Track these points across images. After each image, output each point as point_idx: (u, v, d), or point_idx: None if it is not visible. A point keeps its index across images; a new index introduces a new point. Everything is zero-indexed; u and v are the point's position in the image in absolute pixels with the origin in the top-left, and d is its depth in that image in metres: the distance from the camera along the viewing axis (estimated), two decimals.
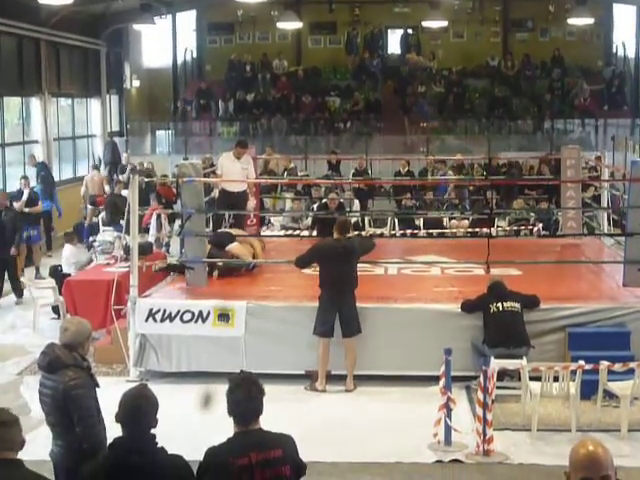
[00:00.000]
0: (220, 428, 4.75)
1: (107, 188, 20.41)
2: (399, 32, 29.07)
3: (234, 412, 4.52)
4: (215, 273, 11.71)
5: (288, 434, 4.70)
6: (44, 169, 19.06)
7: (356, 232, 14.11)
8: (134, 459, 4.44)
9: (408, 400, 9.51)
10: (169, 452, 4.58)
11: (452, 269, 12.27)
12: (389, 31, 29.40)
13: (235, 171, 13.35)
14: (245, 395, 4.51)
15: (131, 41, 26.38)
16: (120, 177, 19.91)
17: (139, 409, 4.55)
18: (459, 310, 10.05)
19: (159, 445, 4.55)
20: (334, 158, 21.68)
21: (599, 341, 9.62)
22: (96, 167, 21.80)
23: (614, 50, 28.43)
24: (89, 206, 20.03)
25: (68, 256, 13.57)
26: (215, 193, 14.73)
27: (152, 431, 4.58)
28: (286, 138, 25.93)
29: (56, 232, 18.58)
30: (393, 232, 17.00)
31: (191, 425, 8.06)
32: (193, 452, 4.66)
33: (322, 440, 8.24)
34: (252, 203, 14.11)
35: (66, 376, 5.68)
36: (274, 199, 19.73)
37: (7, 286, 14.95)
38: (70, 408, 5.60)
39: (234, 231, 12.83)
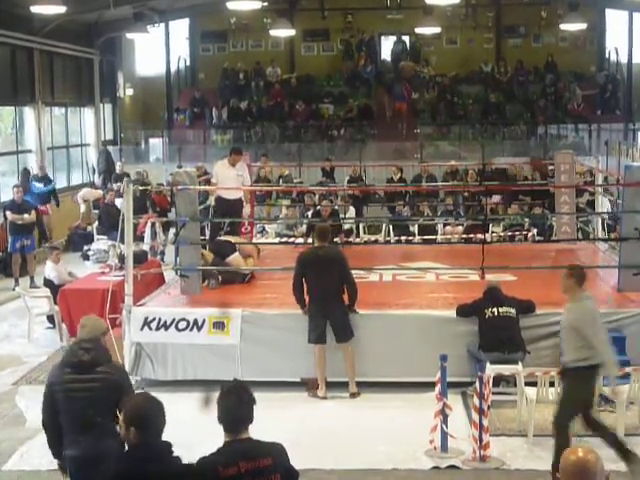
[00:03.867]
0: (215, 437, 4.74)
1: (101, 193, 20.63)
2: (392, 39, 29.12)
3: (224, 419, 4.52)
4: (212, 283, 11.62)
5: (278, 442, 4.69)
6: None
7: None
8: (152, 467, 4.41)
9: (404, 407, 9.48)
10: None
11: (447, 275, 12.26)
12: (382, 38, 29.46)
13: (230, 178, 13.36)
14: (236, 402, 4.51)
15: (124, 50, 26.39)
16: (114, 186, 19.93)
17: (148, 415, 4.52)
18: (454, 316, 10.04)
19: (174, 454, 4.55)
20: (328, 165, 21.67)
21: None
22: (92, 184, 22.04)
23: (607, 55, 28.55)
24: (94, 211, 20.12)
25: (49, 272, 13.49)
26: (211, 201, 14.73)
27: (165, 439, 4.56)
28: (280, 145, 25.95)
29: (52, 241, 18.49)
30: (388, 238, 17.00)
31: (186, 434, 8.02)
32: (188, 461, 4.65)
33: (318, 447, 8.23)
34: (247, 210, 14.10)
35: (111, 367, 5.83)
36: (269, 206, 19.73)
37: (1, 296, 14.93)
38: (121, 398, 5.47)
39: (232, 239, 12.81)
